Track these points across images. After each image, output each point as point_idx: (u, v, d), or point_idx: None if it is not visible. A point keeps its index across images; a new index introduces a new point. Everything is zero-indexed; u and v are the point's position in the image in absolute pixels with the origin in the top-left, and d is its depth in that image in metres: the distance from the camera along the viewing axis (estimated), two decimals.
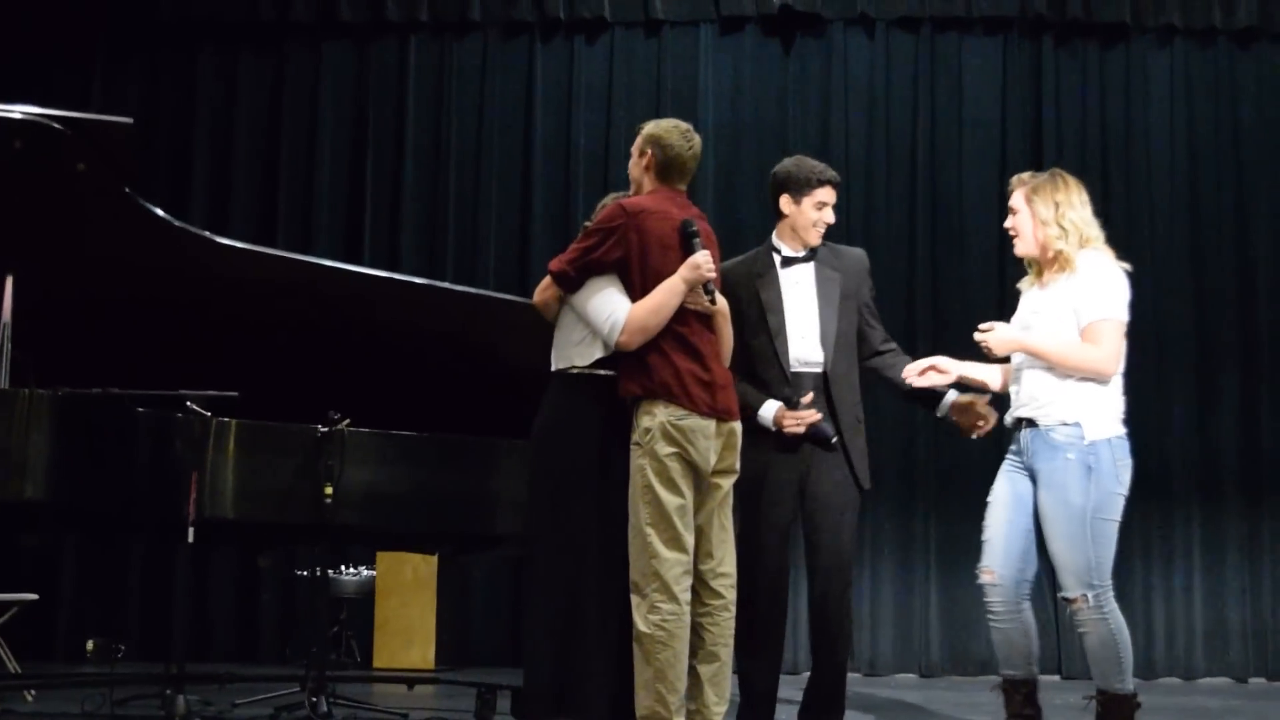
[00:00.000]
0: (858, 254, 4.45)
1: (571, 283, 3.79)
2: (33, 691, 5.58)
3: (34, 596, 6.24)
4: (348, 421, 4.60)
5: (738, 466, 3.82)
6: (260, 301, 4.76)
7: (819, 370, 4.11)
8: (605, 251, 3.75)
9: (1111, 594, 4.03)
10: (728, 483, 3.80)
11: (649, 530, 3.71)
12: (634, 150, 3.97)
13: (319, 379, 4.77)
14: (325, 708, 4.66)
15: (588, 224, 3.97)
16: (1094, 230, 4.14)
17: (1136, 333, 7.44)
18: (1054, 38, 7.90)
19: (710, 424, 3.72)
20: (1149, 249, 7.60)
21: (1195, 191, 7.84)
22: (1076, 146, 7.86)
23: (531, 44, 8.01)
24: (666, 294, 3.73)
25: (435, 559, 7.03)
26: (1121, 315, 4.03)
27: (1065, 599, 4.05)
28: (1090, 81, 7.92)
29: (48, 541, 7.29)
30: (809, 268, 4.26)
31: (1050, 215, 4.09)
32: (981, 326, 4.07)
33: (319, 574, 6.32)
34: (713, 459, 3.72)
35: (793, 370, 4.13)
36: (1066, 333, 4.05)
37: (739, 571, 4.01)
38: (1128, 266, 4.05)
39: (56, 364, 4.43)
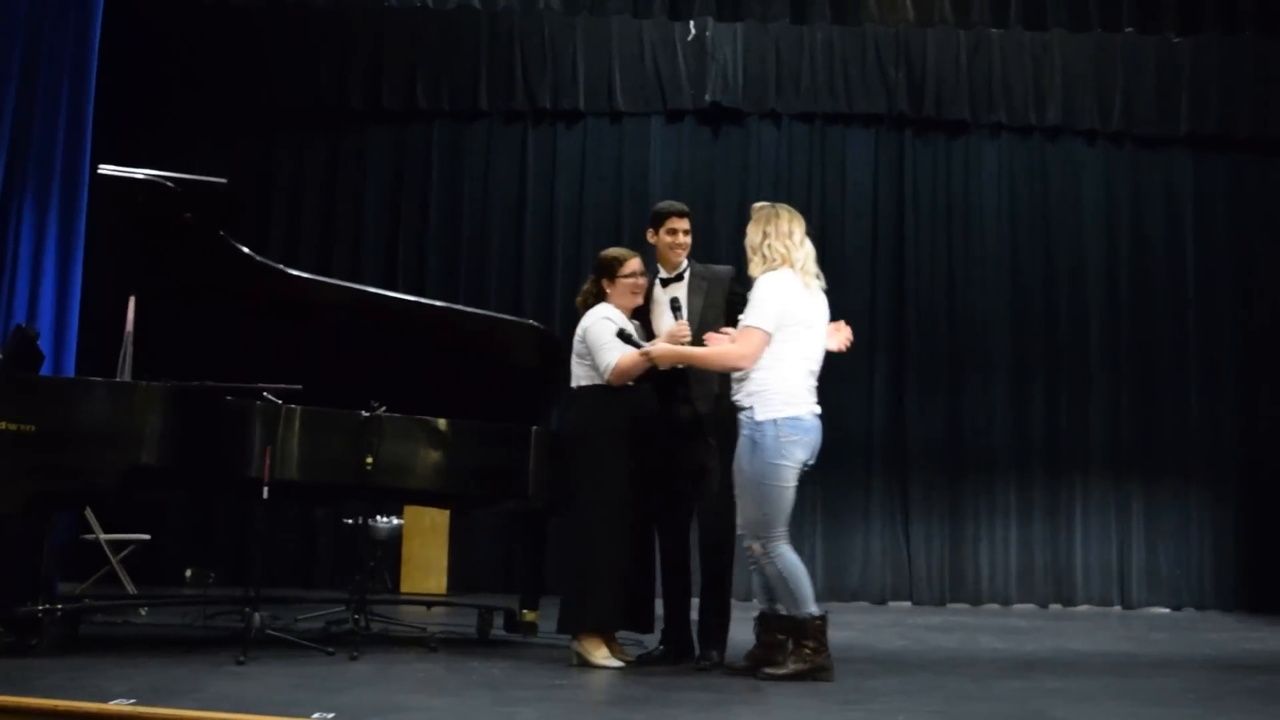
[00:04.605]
0: (724, 270, 4.86)
1: None
2: (145, 608, 6.21)
3: (147, 536, 7.18)
4: (384, 408, 5.04)
5: None
6: (320, 316, 5.30)
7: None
8: None
9: (782, 542, 4.21)
10: None
11: None
12: None
13: (363, 375, 5.26)
14: (365, 622, 5.22)
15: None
16: (797, 255, 4.27)
17: (961, 352, 8.91)
18: (914, 130, 9.20)
19: None
20: (980, 286, 9.08)
21: (1015, 244, 9.19)
22: (929, 212, 9.15)
23: (525, 128, 9.20)
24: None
25: (448, 512, 7.71)
26: (764, 326, 4.20)
27: (744, 544, 4.32)
28: (939, 163, 9.21)
29: (157, 496, 8.07)
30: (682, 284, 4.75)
31: (756, 242, 4.32)
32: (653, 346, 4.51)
33: (361, 522, 7.17)
34: None
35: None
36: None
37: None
38: (822, 284, 4.36)
39: (166, 363, 5.01)
